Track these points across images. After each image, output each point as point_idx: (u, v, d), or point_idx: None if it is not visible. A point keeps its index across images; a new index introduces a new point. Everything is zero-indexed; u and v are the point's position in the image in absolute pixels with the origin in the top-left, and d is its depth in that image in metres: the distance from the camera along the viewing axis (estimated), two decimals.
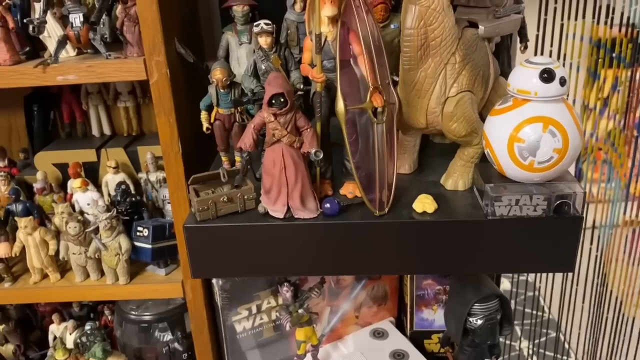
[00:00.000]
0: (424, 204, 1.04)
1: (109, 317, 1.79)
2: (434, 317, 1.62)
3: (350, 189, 1.11)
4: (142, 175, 1.58)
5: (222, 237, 1.06)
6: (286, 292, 1.40)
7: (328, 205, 1.04)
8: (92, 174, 1.64)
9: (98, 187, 1.59)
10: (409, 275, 1.57)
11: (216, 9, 1.50)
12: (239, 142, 1.02)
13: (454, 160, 1.14)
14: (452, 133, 1.06)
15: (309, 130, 1.00)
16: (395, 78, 1.09)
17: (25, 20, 1.19)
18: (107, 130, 1.75)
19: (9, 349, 1.69)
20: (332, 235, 1.05)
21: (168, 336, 1.58)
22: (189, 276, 1.38)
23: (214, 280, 1.37)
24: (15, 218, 1.43)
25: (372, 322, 1.67)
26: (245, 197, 1.07)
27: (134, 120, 1.73)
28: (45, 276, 1.47)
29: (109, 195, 1.59)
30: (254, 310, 1.44)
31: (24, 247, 1.42)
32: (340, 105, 0.95)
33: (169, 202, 1.49)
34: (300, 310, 1.39)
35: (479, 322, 1.40)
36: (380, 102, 0.98)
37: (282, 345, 1.54)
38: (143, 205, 1.51)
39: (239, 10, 1.32)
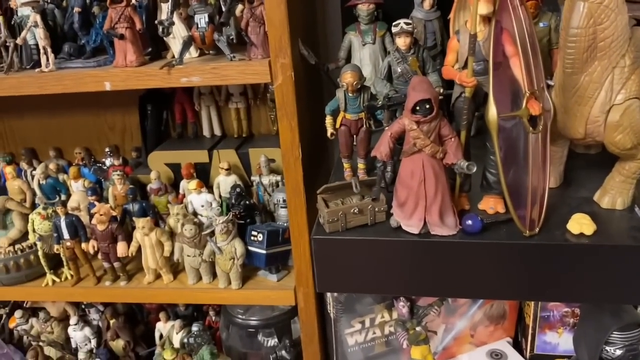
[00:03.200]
0: (581, 224, 0.92)
1: (213, 318, 1.78)
2: (558, 340, 1.49)
3: (490, 204, 1.01)
4: (254, 178, 1.55)
5: (352, 251, 0.99)
6: (402, 307, 1.32)
7: (470, 222, 0.95)
8: (203, 174, 1.63)
9: (209, 187, 1.58)
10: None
11: (335, 8, 1.44)
12: (374, 151, 0.95)
13: (612, 175, 1.01)
14: (615, 145, 0.94)
15: (453, 139, 0.92)
16: (549, 82, 0.98)
17: (156, 22, 1.18)
18: (217, 131, 1.74)
19: (119, 344, 1.73)
20: (472, 256, 0.95)
21: (273, 342, 1.55)
22: (302, 284, 1.34)
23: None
24: (133, 218, 1.44)
25: (488, 342, 1.55)
26: (377, 209, 1.00)
27: (244, 122, 1.71)
28: (158, 276, 1.48)
29: (220, 196, 1.57)
30: (367, 323, 1.37)
31: (139, 247, 1.43)
32: (492, 112, 0.86)
33: (282, 207, 1.45)
34: (418, 328, 1.31)
35: (618, 352, 1.26)
36: (537, 109, 0.87)
37: None
38: (256, 209, 1.48)
39: (364, 8, 1.26)
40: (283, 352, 1.50)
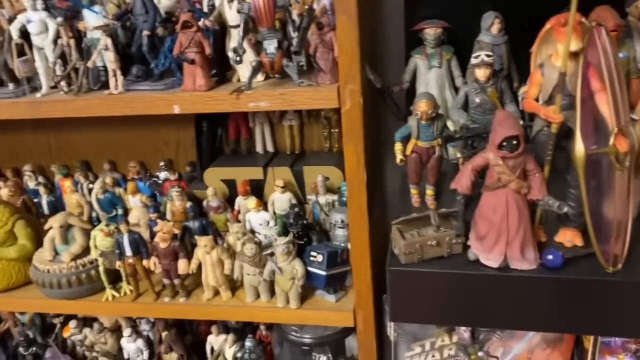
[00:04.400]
0: None
1: (264, 332, 1.80)
2: None
3: (568, 237, 1.00)
4: (311, 197, 1.56)
5: (428, 282, 0.99)
6: (464, 332, 1.32)
7: (551, 257, 0.94)
8: (257, 191, 1.64)
9: (264, 204, 1.59)
10: None
11: (398, 31, 1.44)
12: (454, 184, 0.95)
13: None
14: None
15: (538, 175, 0.91)
16: (633, 116, 0.96)
17: (230, 51, 1.19)
18: (270, 148, 1.75)
19: (173, 357, 1.75)
20: (552, 291, 0.95)
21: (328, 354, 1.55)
22: (362, 306, 1.35)
23: (387, 309, 1.31)
24: (195, 237, 1.46)
25: None
26: (453, 241, 1.00)
27: (297, 139, 1.72)
28: (216, 293, 1.49)
29: (274, 213, 1.58)
30: (428, 347, 1.37)
31: (199, 264, 1.45)
32: (579, 148, 0.85)
33: (339, 227, 1.46)
34: (480, 353, 1.30)
35: None
36: (625, 146, 0.86)
37: None
38: (312, 228, 1.49)
39: (431, 32, 1.25)
40: None
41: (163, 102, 1.25)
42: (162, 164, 1.80)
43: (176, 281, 1.47)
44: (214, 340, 1.77)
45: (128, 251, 1.46)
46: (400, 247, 0.99)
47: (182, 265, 1.44)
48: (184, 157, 1.86)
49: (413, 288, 1.00)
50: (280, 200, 1.57)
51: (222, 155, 1.79)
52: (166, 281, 1.48)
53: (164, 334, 1.78)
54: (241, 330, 1.82)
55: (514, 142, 0.88)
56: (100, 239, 1.51)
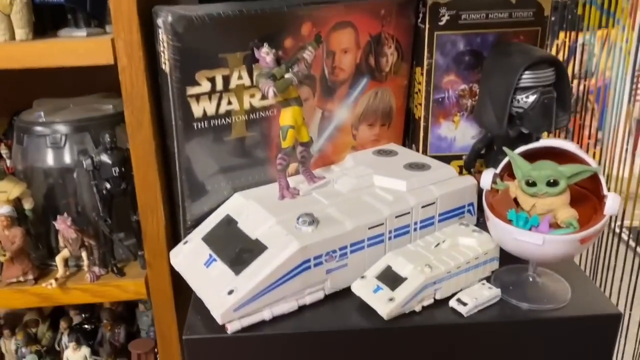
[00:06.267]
0: None
1: (7, 162, 1.29)
2: (455, 134, 1.24)
3: None
4: None
5: None
6: (266, 54, 0.97)
7: None
8: None
9: None
10: (424, 75, 1.18)
11: None
12: None
13: None
14: None
15: None
16: None
17: None
18: None
19: None
20: None
21: (91, 150, 1.11)
22: (122, 28, 0.95)
23: (160, 21, 0.93)
24: None
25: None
26: None
27: None
28: None
29: None
30: (219, 84, 0.99)
31: None
32: None
33: None
34: (287, 75, 0.96)
35: (532, 97, 1.04)
36: None
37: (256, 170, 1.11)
38: None
39: None
40: (103, 156, 1.07)
41: None
42: None
43: None
44: None
45: None
46: None
47: None
48: None
49: None
50: None
51: None
52: None
53: None
54: None
55: None
56: None
